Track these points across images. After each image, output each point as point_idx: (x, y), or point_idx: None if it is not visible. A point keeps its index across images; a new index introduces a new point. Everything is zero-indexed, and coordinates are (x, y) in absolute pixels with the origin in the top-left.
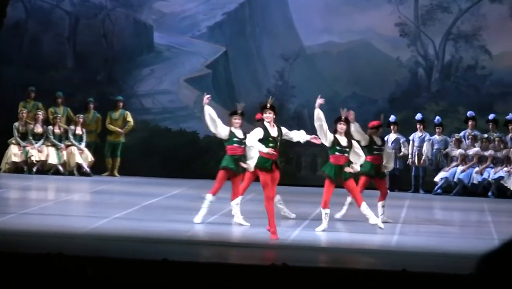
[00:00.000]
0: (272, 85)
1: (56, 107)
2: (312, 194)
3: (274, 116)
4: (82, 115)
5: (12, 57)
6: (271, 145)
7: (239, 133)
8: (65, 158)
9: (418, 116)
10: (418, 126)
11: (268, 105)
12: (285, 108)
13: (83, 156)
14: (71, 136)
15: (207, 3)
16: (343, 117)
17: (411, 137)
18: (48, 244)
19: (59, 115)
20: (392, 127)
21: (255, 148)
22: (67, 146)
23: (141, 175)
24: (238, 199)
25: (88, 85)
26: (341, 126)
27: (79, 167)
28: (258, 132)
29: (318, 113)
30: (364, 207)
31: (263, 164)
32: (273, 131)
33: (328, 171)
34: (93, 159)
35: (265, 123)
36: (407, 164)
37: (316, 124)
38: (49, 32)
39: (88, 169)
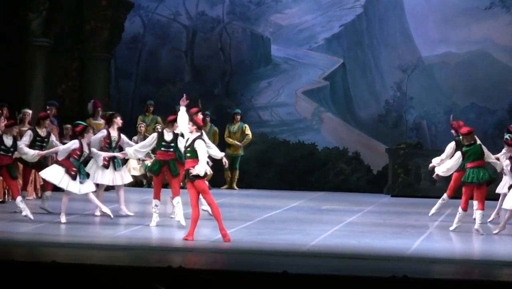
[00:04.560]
0: (390, 96)
1: None
2: (432, 205)
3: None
4: None
5: (129, 71)
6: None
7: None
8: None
9: None
10: None
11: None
12: (403, 120)
13: None
14: None
15: (324, 15)
16: None
17: None
18: (169, 257)
19: None
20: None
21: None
22: None
23: (260, 187)
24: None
25: (205, 99)
26: None
27: None
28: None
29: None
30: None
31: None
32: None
33: None
34: (211, 172)
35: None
36: None
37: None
38: (166, 46)
39: (206, 182)
